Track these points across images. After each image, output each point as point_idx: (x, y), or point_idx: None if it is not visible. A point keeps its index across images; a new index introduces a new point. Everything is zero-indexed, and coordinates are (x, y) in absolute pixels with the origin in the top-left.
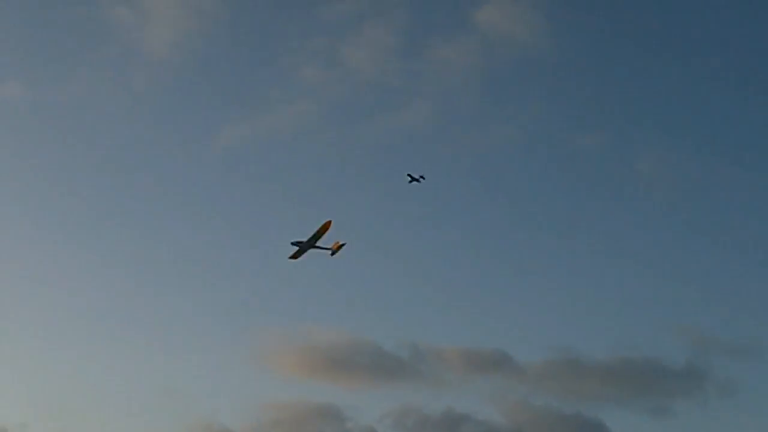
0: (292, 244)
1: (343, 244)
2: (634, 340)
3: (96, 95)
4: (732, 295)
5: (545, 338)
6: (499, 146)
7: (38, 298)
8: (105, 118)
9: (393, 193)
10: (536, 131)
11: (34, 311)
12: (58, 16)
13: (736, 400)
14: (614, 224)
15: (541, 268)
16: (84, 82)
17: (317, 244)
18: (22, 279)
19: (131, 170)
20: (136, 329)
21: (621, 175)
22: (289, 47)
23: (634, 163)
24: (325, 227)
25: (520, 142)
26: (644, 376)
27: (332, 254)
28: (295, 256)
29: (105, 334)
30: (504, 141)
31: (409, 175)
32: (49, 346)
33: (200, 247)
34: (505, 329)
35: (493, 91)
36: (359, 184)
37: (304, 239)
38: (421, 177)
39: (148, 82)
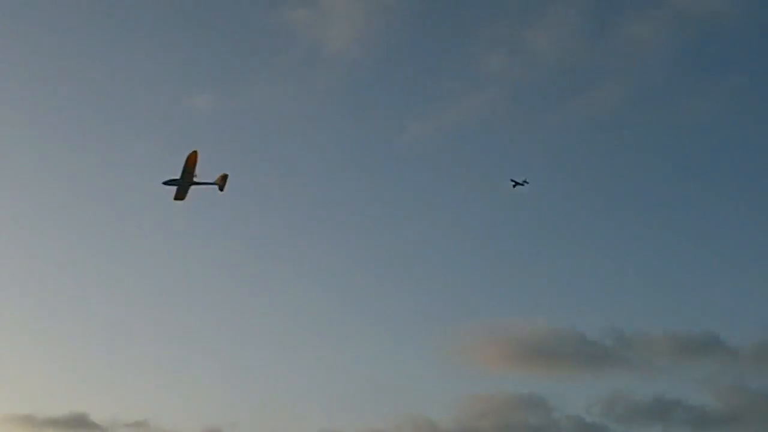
0: (164, 183)
1: (226, 175)
2: None
3: (280, 99)
4: None
5: (758, 318)
6: (696, 124)
7: (241, 301)
8: (289, 122)
9: (588, 177)
10: (735, 106)
11: (238, 314)
12: (239, 25)
13: None
14: None
15: (749, 247)
16: (268, 87)
17: (199, 180)
18: (221, 282)
19: (319, 171)
20: (343, 326)
21: None
22: (471, 36)
23: None
24: (192, 159)
25: (719, 119)
26: None
27: (221, 189)
28: (178, 197)
29: (310, 332)
30: (701, 118)
31: (512, 180)
32: (256, 346)
33: (400, 244)
34: (714, 311)
35: (688, 67)
36: (551, 173)
37: (177, 177)
38: (525, 182)
39: (331, 82)
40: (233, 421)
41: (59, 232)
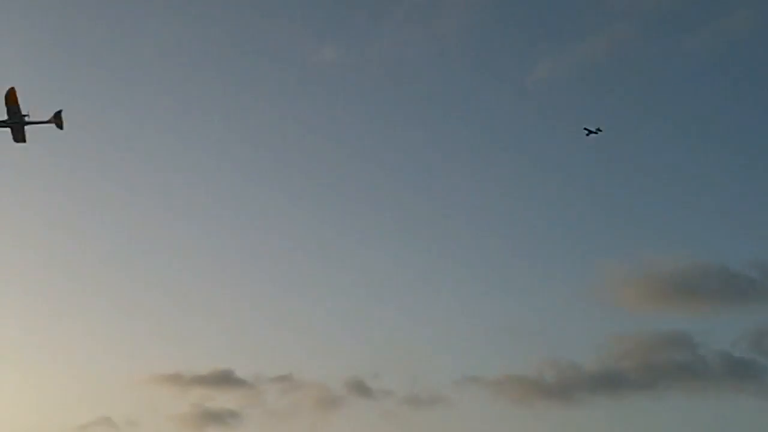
0: None
1: (60, 112)
2: None
3: (405, 46)
4: None
5: None
6: None
7: (379, 253)
8: (416, 68)
9: (715, 107)
10: None
11: (377, 266)
12: None
13: None
14: None
15: None
16: (392, 35)
17: (32, 119)
18: (359, 237)
19: (445, 114)
20: (482, 271)
21: None
22: None
23: None
24: (11, 98)
25: None
26: None
27: (59, 127)
28: (17, 139)
29: (449, 279)
30: None
31: (585, 128)
32: (395, 296)
33: (539, 183)
34: None
35: None
36: (679, 104)
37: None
38: (599, 129)
39: (455, 25)
40: (375, 372)
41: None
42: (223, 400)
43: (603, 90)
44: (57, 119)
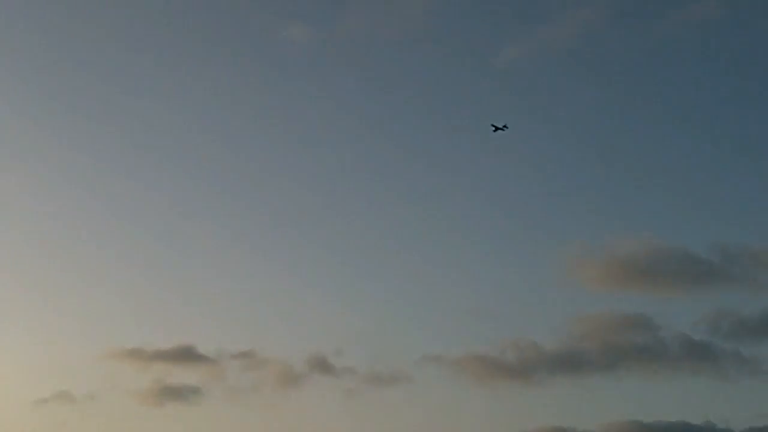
0: None
1: None
2: None
3: (372, 26)
4: None
5: None
6: None
7: (342, 228)
8: (382, 48)
9: (681, 92)
10: None
11: (340, 241)
12: None
13: None
14: None
15: None
16: (357, 15)
17: None
18: (324, 212)
19: (411, 95)
20: (444, 252)
21: None
22: None
23: None
24: None
25: None
26: None
27: None
28: None
29: (411, 258)
30: None
31: (493, 125)
32: (357, 273)
33: (500, 167)
34: None
35: None
36: (644, 89)
37: None
38: (505, 126)
39: (421, 6)
40: (337, 348)
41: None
42: (184, 375)
43: (569, 73)
44: None
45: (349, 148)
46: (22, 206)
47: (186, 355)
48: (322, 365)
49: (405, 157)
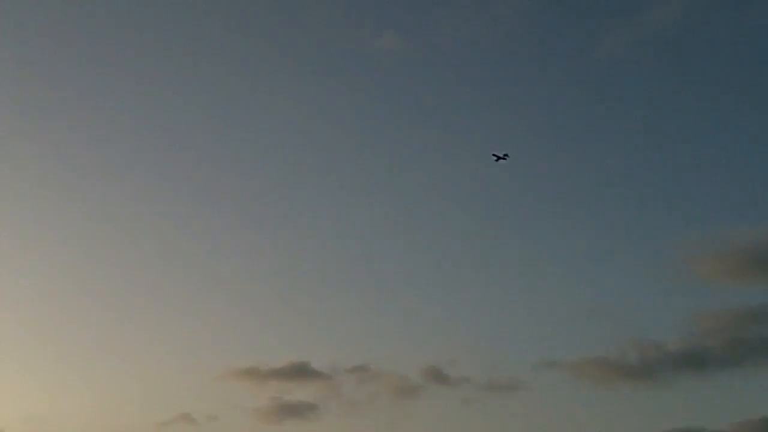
0: None
1: None
2: None
3: (465, 30)
4: None
5: None
6: None
7: (451, 242)
8: (476, 52)
9: None
10: None
11: (450, 254)
12: None
13: None
14: None
15: None
16: (450, 19)
17: None
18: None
19: (510, 98)
20: (556, 254)
21: None
22: None
23: None
24: None
25: None
26: None
27: None
28: None
29: (521, 264)
30: None
31: (494, 154)
32: (469, 283)
33: (611, 158)
34: None
35: None
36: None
37: None
38: (506, 155)
39: (514, 6)
40: (452, 358)
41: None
42: (300, 392)
43: (672, 62)
44: None
45: (445, 156)
46: (127, 236)
47: (301, 371)
48: (437, 376)
49: (506, 161)
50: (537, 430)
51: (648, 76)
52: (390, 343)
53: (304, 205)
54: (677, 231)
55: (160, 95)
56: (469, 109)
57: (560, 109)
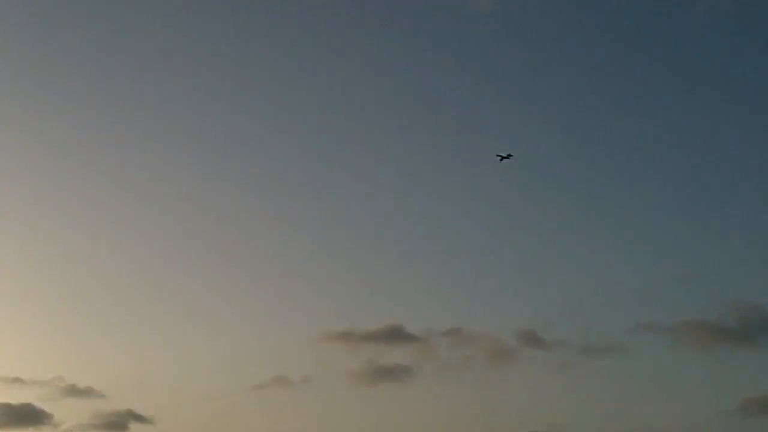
0: None
1: None
2: None
3: None
4: None
5: None
6: None
7: (542, 206)
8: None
9: None
10: None
11: (544, 216)
12: None
13: None
14: None
15: None
16: None
17: None
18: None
19: (607, 57)
20: (655, 210)
21: None
22: None
23: None
24: None
25: None
26: None
27: None
28: None
29: (620, 224)
30: None
31: (498, 155)
32: (565, 244)
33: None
34: None
35: None
36: None
37: None
38: (509, 155)
39: None
40: (547, 321)
41: None
42: (394, 355)
43: None
44: None
45: (540, 118)
46: (237, 191)
47: (395, 334)
48: (532, 339)
49: (603, 121)
50: (634, 394)
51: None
52: (484, 305)
53: (397, 169)
54: None
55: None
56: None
57: (661, 62)
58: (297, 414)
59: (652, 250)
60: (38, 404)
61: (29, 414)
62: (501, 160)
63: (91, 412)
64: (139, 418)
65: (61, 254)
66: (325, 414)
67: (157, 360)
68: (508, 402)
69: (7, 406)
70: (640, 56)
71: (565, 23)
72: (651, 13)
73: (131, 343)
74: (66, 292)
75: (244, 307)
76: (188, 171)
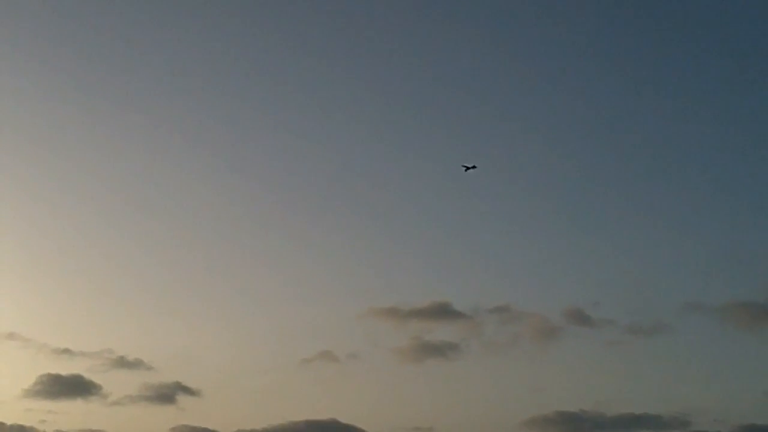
0: None
1: None
2: None
3: None
4: None
5: None
6: None
7: (590, 184)
8: None
9: None
10: None
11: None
12: None
13: None
14: None
15: None
16: None
17: None
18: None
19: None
20: (703, 190)
21: None
22: None
23: None
24: None
25: None
26: None
27: None
28: None
29: (672, 200)
30: None
31: (463, 165)
32: (612, 222)
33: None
34: None
35: None
36: None
37: None
38: (474, 166)
39: None
40: (595, 300)
41: None
42: (441, 332)
43: None
44: None
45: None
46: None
47: (442, 311)
48: (579, 317)
49: (647, 103)
50: (682, 374)
51: None
52: (532, 283)
53: (447, 147)
54: None
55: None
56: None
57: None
58: (343, 389)
59: (702, 231)
60: (87, 375)
61: (79, 384)
62: (466, 170)
63: (140, 384)
64: (187, 390)
65: (114, 229)
66: (371, 390)
67: (207, 333)
68: (555, 380)
69: (57, 377)
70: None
71: None
72: None
73: (181, 317)
74: (117, 266)
75: (292, 282)
76: (243, 148)
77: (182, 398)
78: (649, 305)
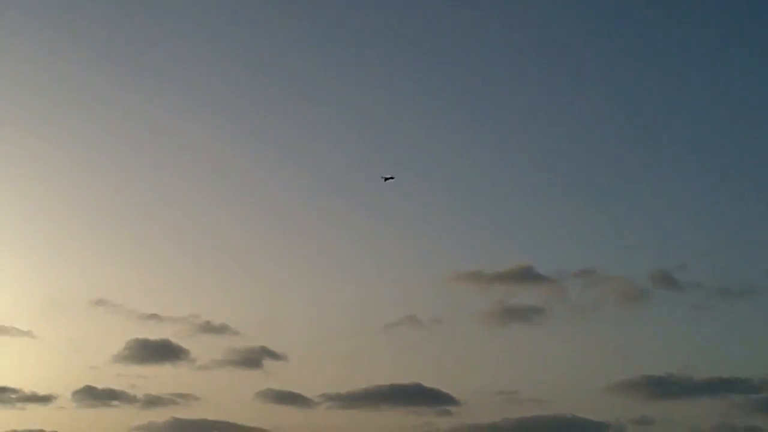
0: None
1: None
2: None
3: None
4: None
5: None
6: None
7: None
8: None
9: None
10: None
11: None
12: None
13: None
14: None
15: None
16: None
17: None
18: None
19: None
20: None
21: None
22: None
23: None
24: None
25: None
26: None
27: None
28: None
29: (753, 166)
30: None
31: (383, 176)
32: (699, 191)
33: None
34: None
35: None
36: None
37: None
38: (392, 177)
39: None
40: (681, 262)
41: None
42: (525, 296)
43: None
44: None
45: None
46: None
47: (525, 275)
48: (666, 280)
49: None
50: None
51: None
52: (617, 246)
53: (530, 111)
54: None
55: None
56: None
57: None
58: (427, 354)
59: None
60: (175, 340)
61: (167, 349)
62: (385, 180)
63: (226, 349)
64: (273, 355)
65: (202, 197)
66: (455, 354)
67: (291, 299)
68: (641, 344)
69: (146, 342)
70: None
71: None
72: None
73: (266, 282)
74: (203, 234)
75: (376, 247)
76: (324, 115)
77: (268, 362)
78: (737, 268)
